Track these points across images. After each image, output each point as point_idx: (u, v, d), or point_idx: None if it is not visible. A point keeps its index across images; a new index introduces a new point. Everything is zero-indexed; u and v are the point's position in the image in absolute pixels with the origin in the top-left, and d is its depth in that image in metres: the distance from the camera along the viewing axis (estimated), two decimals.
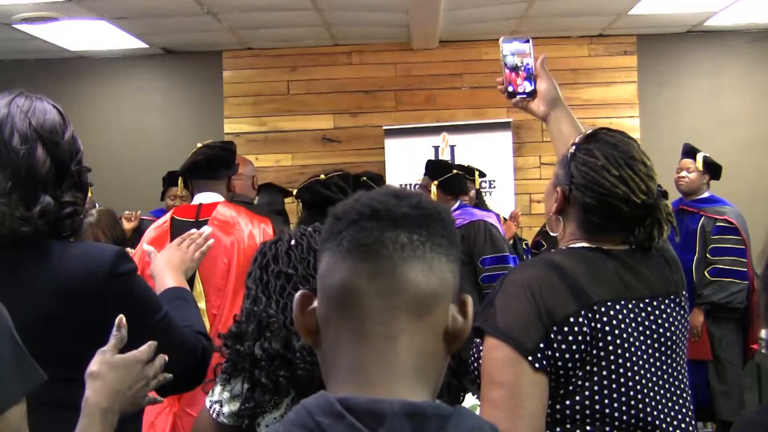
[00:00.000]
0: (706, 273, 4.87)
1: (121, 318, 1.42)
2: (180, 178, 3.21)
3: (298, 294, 0.96)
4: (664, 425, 1.60)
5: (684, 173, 5.08)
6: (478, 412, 1.53)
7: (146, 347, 1.46)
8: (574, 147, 1.72)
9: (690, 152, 5.11)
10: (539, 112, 2.04)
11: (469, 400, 1.85)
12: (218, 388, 1.78)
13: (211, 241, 2.15)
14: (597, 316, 1.56)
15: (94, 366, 1.38)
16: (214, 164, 3.08)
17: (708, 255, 4.91)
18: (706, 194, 5.09)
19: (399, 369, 0.89)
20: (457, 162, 6.09)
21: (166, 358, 1.50)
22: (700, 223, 4.97)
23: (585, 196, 1.66)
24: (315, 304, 0.95)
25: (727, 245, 4.90)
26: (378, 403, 0.84)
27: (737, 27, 6.59)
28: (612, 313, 1.58)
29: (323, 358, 0.94)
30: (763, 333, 5.17)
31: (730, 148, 6.38)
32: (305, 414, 0.86)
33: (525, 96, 2.05)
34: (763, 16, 6.26)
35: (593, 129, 1.77)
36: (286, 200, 4.76)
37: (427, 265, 0.91)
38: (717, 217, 4.96)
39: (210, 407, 1.77)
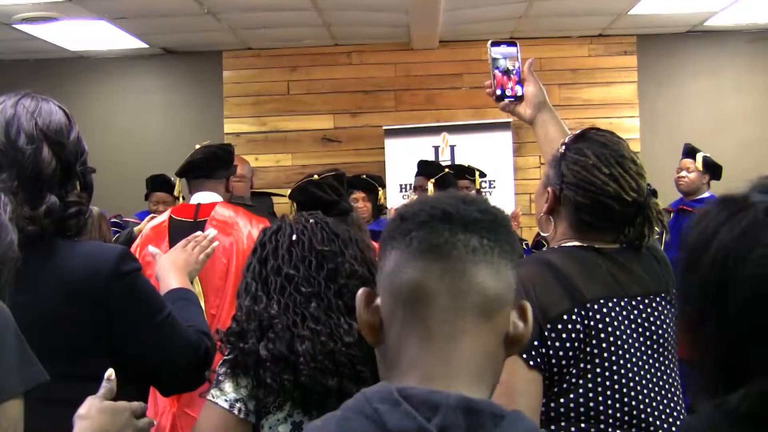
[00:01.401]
0: None
1: (110, 372, 1.43)
2: (178, 181, 3.20)
3: (361, 291, 0.98)
4: (657, 422, 1.61)
5: (684, 173, 5.08)
6: None
7: (137, 404, 1.47)
8: (564, 147, 1.74)
9: (690, 152, 5.12)
10: (526, 116, 2.05)
11: None
12: (229, 386, 1.68)
13: (216, 243, 2.15)
14: (590, 314, 1.58)
15: (83, 409, 1.39)
16: (211, 163, 3.08)
17: None
18: (706, 194, 5.10)
19: (459, 368, 0.92)
20: (457, 162, 6.11)
21: (156, 422, 1.50)
22: None
23: (577, 195, 1.67)
24: (378, 301, 0.97)
25: None
26: (435, 394, 0.87)
27: (737, 27, 6.59)
28: (605, 311, 1.60)
29: (384, 354, 0.97)
30: None
31: (730, 148, 6.37)
32: (363, 401, 0.88)
33: (512, 99, 2.06)
34: (763, 16, 6.26)
35: (582, 129, 1.78)
36: (282, 200, 4.76)
37: (495, 270, 0.94)
38: None
39: (231, 407, 1.66)
